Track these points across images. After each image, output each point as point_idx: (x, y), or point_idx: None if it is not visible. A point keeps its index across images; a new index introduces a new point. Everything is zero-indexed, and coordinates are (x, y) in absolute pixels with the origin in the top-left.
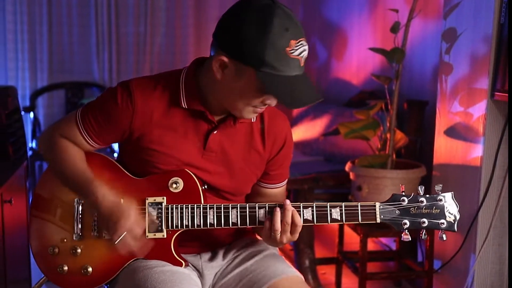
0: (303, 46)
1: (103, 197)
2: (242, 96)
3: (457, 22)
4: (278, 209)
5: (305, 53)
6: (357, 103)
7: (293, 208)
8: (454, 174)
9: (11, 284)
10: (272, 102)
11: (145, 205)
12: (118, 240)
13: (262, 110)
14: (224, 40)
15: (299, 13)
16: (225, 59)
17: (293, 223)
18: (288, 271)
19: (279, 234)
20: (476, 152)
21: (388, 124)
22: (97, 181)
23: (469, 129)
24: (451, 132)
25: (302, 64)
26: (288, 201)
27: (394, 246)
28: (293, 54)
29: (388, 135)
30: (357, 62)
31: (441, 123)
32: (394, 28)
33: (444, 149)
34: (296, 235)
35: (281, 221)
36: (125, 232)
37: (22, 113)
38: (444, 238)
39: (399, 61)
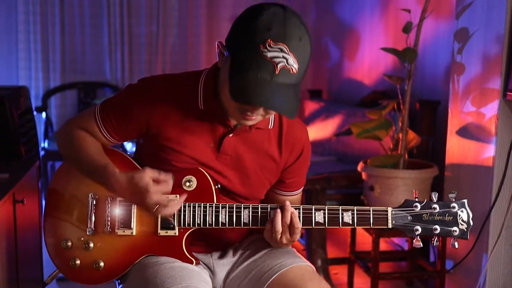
0: (282, 52)
1: (117, 186)
2: (224, 88)
3: (469, 22)
4: (278, 210)
5: (283, 62)
6: (369, 103)
7: (292, 210)
8: (466, 174)
9: (23, 284)
10: (256, 111)
11: None
12: (155, 210)
13: (252, 118)
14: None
15: (312, 13)
16: (222, 46)
17: (292, 225)
18: (299, 261)
19: (280, 235)
20: (488, 152)
21: (400, 124)
22: (109, 169)
23: (481, 129)
24: (463, 132)
25: (277, 72)
26: (288, 202)
27: (406, 246)
28: (265, 53)
29: (400, 135)
30: (369, 62)
31: (453, 123)
32: (406, 28)
33: (457, 149)
34: (296, 237)
35: (281, 222)
36: (157, 205)
37: (35, 113)
38: (456, 246)
39: (411, 61)
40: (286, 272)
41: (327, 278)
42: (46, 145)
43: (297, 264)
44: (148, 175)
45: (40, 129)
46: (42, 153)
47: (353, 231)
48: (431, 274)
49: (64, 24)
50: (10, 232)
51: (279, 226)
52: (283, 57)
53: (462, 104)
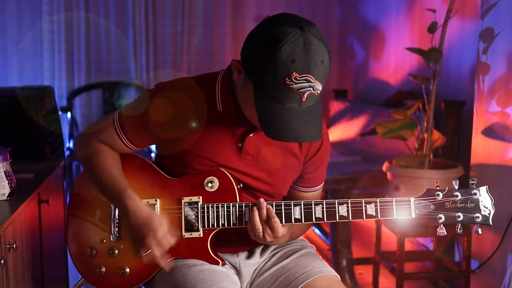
0: (308, 83)
1: (134, 210)
2: (245, 105)
3: (494, 22)
4: (255, 208)
5: (309, 90)
6: (395, 103)
7: (268, 206)
8: (491, 174)
9: (48, 284)
10: None
11: (181, 205)
12: (145, 254)
13: None
14: (243, 47)
15: (337, 13)
16: (239, 64)
17: (269, 219)
18: (325, 270)
19: (261, 233)
20: None
21: (425, 124)
22: (129, 192)
23: (507, 129)
24: (489, 132)
25: (304, 100)
26: (262, 200)
27: (431, 246)
28: (291, 86)
29: (425, 135)
30: (395, 62)
31: (478, 123)
32: (432, 28)
33: (482, 149)
34: (278, 231)
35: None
36: (151, 250)
37: (60, 113)
38: (480, 232)
39: (436, 61)
40: (313, 282)
41: (352, 278)
42: (71, 145)
43: (323, 274)
44: (166, 225)
45: (65, 129)
46: (67, 153)
47: (378, 231)
48: (456, 274)
49: (89, 24)
50: (35, 232)
51: (258, 224)
52: (310, 86)
53: (487, 104)
